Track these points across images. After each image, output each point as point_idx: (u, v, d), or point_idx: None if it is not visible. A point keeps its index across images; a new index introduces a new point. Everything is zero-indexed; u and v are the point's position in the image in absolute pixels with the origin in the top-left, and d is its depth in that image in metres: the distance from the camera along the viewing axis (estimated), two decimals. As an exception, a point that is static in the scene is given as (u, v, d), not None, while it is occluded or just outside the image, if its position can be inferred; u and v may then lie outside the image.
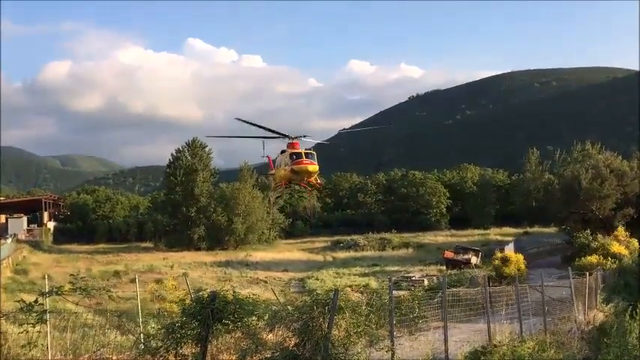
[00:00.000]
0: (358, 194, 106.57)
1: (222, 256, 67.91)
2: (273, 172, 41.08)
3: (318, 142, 38.36)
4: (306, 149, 36.33)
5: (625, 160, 70.56)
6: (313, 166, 35.89)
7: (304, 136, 37.05)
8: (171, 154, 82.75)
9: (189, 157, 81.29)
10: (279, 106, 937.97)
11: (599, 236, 52.57)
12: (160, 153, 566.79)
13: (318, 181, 38.86)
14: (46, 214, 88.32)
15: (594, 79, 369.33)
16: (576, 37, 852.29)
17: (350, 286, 38.05)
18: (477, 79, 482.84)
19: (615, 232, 55.13)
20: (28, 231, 77.98)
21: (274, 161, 40.59)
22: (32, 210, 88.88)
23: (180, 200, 78.07)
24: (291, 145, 36.32)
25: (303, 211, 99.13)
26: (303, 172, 35.85)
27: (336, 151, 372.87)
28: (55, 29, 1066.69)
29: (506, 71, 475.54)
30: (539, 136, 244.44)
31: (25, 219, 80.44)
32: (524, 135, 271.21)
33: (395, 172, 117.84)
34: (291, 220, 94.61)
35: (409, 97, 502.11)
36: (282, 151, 37.66)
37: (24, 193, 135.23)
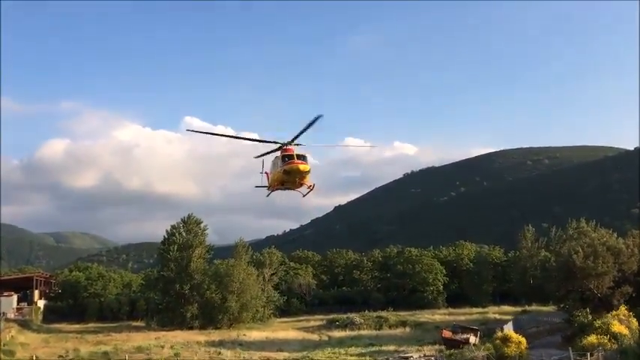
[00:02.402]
0: (354, 271, 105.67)
1: (215, 335, 66.28)
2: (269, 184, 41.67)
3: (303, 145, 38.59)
4: (297, 152, 36.79)
5: (620, 237, 70.59)
6: (304, 166, 36.16)
7: (297, 143, 37.27)
8: (166, 231, 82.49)
9: (184, 234, 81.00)
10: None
11: (600, 316, 51.84)
12: (154, 230, 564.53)
13: (310, 183, 38.90)
14: (36, 292, 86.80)
15: (585, 157, 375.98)
16: (567, 116, 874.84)
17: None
18: (471, 156, 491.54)
19: (615, 312, 54.39)
20: (18, 309, 76.41)
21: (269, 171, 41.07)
22: (23, 288, 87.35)
23: (174, 277, 77.11)
24: (284, 150, 36.98)
25: (298, 288, 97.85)
26: (294, 171, 36.11)
27: (332, 227, 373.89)
28: (53, 108, 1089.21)
29: (499, 149, 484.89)
30: (533, 213, 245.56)
31: (14, 297, 78.96)
32: (518, 212, 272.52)
33: (391, 249, 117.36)
34: (286, 297, 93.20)
35: (404, 174, 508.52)
36: (276, 157, 38.31)
37: (15, 270, 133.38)
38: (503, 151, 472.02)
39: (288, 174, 36.18)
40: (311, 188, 38.52)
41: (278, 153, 37.58)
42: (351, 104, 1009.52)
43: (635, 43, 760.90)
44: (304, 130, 35.54)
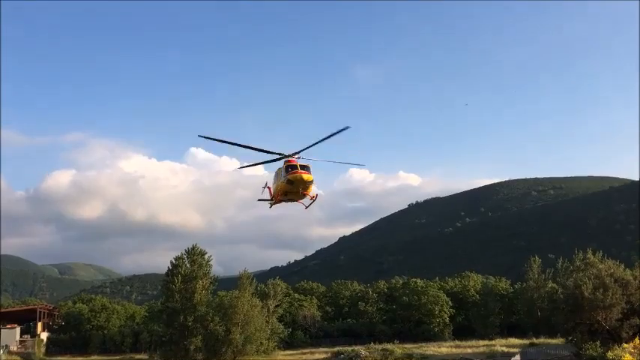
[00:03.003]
0: (359, 303, 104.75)
1: (218, 368, 65.58)
2: (270, 197, 41.61)
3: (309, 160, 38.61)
4: (300, 163, 36.76)
5: (628, 269, 70.01)
6: (307, 175, 36.13)
7: (299, 154, 37.25)
8: (171, 262, 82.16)
9: (188, 265, 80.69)
10: (279, 212, 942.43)
11: (609, 349, 51.11)
12: (158, 260, 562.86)
13: (313, 194, 38.68)
14: (39, 324, 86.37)
15: (591, 187, 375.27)
16: (571, 146, 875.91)
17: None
18: (475, 187, 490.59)
19: (626, 344, 53.59)
20: (21, 342, 76.01)
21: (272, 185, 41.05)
22: (26, 320, 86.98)
23: (178, 309, 76.57)
24: (287, 161, 37.00)
25: (302, 320, 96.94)
26: (298, 181, 36.02)
27: (337, 259, 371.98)
28: (59, 140, 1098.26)
29: (503, 179, 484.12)
30: (540, 244, 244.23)
31: (18, 329, 78.58)
32: (524, 242, 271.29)
33: (396, 280, 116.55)
34: (290, 329, 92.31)
35: (409, 205, 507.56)
36: (279, 168, 38.27)
37: (19, 302, 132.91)
38: (507, 181, 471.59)
39: (291, 183, 36.27)
40: (314, 199, 38.50)
41: (281, 164, 37.84)
42: (354, 135, 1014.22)
43: (636, 71, 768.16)
44: (328, 137, 35.80)
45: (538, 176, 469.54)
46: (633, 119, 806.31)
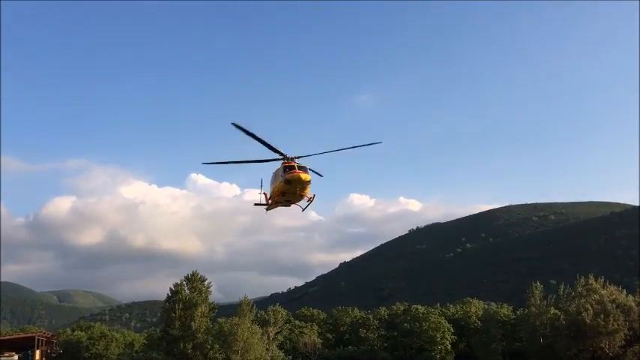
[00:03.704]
0: (360, 330, 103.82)
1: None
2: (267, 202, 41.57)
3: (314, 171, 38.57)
4: (299, 164, 36.76)
5: (630, 295, 69.74)
6: (305, 175, 36.07)
7: (299, 157, 37.24)
8: (170, 289, 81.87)
9: (187, 291, 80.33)
10: (279, 239, 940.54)
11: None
12: (158, 287, 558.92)
13: (311, 195, 38.49)
14: (38, 352, 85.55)
15: (591, 213, 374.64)
16: (571, 172, 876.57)
17: None
18: (476, 212, 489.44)
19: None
20: (18, 370, 75.16)
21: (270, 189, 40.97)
22: (25, 348, 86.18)
23: (177, 336, 76.00)
24: (285, 162, 37.04)
25: (303, 347, 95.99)
26: (296, 180, 35.89)
27: (337, 285, 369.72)
28: (60, 166, 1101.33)
29: (503, 205, 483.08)
30: (541, 269, 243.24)
31: (16, 357, 77.95)
32: (525, 268, 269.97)
33: (397, 307, 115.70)
34: (290, 357, 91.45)
35: (409, 230, 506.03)
36: (277, 169, 38.27)
37: (17, 330, 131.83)
38: (508, 207, 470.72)
39: (289, 183, 36.32)
40: (311, 200, 38.46)
41: (279, 165, 37.97)
42: (355, 161, 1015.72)
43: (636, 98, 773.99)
44: (359, 146, 36.08)
45: (538, 201, 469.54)
46: (633, 145, 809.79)
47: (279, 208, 41.90)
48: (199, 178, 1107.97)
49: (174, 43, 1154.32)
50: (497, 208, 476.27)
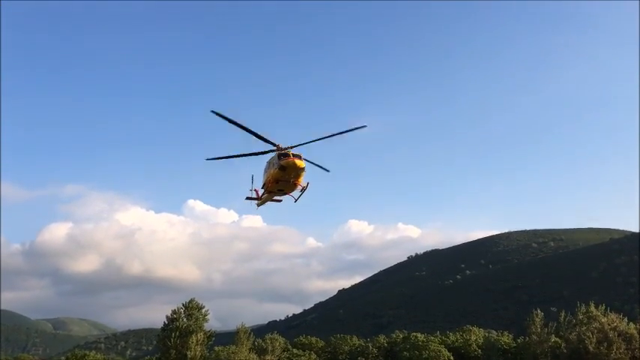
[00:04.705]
0: (359, 358, 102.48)
1: None
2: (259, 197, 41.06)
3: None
4: (293, 152, 36.38)
5: (631, 322, 69.00)
6: (300, 162, 35.74)
7: (292, 147, 36.74)
8: (167, 316, 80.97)
9: (184, 319, 79.42)
10: (277, 266, 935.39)
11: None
12: (154, 315, 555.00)
13: (304, 184, 37.87)
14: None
15: (591, 239, 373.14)
16: (570, 198, 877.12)
17: None
18: (475, 238, 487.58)
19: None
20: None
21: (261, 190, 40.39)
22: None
23: (173, 365, 74.91)
24: (280, 150, 37.01)
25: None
26: (291, 166, 35.44)
27: (336, 312, 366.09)
28: (56, 192, 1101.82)
29: (503, 231, 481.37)
30: (541, 296, 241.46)
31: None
32: (525, 295, 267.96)
33: (396, 334, 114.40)
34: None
35: (408, 257, 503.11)
36: (271, 157, 37.86)
37: (12, 359, 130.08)
38: (507, 233, 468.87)
39: (284, 169, 36.00)
40: (304, 189, 38.01)
41: (274, 155, 37.64)
42: (354, 185, 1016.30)
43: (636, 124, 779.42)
44: (343, 132, 35.69)
45: (537, 228, 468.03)
46: (633, 171, 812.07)
47: (269, 203, 41.69)
48: (197, 204, 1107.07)
49: (172, 71, 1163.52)
50: (497, 235, 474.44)
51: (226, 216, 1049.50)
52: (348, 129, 36.35)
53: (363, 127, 36.56)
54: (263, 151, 37.54)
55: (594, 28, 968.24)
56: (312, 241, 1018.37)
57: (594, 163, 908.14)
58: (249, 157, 38.42)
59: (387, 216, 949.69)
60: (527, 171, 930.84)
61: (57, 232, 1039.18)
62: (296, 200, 39.81)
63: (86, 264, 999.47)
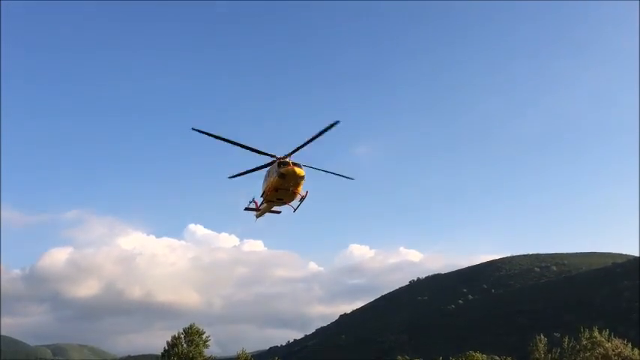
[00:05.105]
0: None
1: None
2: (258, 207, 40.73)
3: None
4: (292, 161, 36.12)
5: (635, 348, 68.42)
6: (300, 170, 35.47)
7: (292, 153, 36.42)
8: (167, 342, 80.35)
9: (185, 345, 78.81)
10: (278, 291, 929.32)
11: None
12: (154, 341, 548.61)
13: (303, 193, 37.42)
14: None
15: (594, 263, 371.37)
16: (572, 222, 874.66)
17: None
18: (477, 263, 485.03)
19: None
20: None
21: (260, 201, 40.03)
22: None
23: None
24: (279, 159, 36.90)
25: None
26: (290, 174, 35.15)
27: (337, 337, 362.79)
28: (57, 218, 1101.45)
29: (504, 255, 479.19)
30: (544, 321, 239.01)
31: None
32: (528, 320, 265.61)
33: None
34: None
35: (410, 282, 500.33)
36: (271, 167, 37.59)
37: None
38: (509, 257, 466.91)
39: (283, 177, 35.79)
40: (303, 198, 37.72)
41: (273, 164, 37.50)
42: (355, 210, 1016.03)
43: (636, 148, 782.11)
44: (318, 135, 35.38)
45: (540, 252, 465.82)
46: (634, 195, 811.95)
47: (267, 215, 41.58)
48: (198, 229, 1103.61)
49: (173, 96, 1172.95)
50: (498, 259, 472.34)
51: (227, 240, 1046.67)
52: (324, 128, 35.79)
53: (336, 122, 36.08)
54: (260, 150, 37.57)
55: (597, 54, 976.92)
56: (313, 266, 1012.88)
57: (597, 187, 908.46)
58: (250, 174, 38.69)
59: (389, 240, 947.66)
60: (529, 194, 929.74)
61: (57, 257, 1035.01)
62: (295, 210, 39.78)
63: (86, 289, 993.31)
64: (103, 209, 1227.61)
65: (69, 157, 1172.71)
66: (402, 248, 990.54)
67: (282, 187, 36.93)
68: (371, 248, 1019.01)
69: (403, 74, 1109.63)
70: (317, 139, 35.41)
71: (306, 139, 35.36)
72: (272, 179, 37.40)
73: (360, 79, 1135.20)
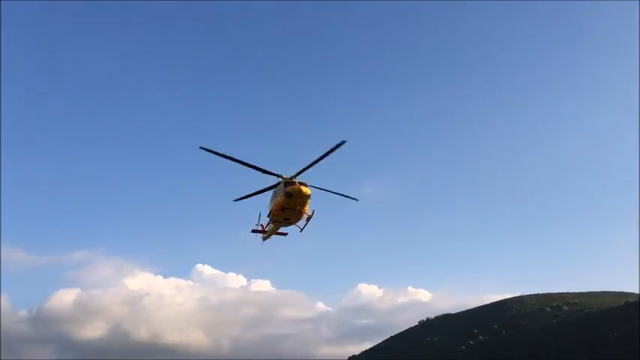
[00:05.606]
0: None
1: None
2: (264, 229, 40.62)
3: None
4: (299, 180, 36.02)
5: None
6: (306, 189, 35.60)
7: (298, 174, 36.31)
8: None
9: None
10: (285, 332, 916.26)
11: None
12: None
13: (310, 212, 37.02)
14: None
15: (605, 302, 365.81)
16: (583, 260, 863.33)
17: None
18: (487, 302, 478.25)
19: None
20: None
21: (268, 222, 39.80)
22: None
23: None
24: (285, 180, 37.65)
25: None
26: (297, 193, 35.12)
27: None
28: (65, 259, 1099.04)
29: (515, 294, 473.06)
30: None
31: None
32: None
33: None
34: None
35: (419, 322, 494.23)
36: (277, 187, 37.50)
37: None
38: (519, 297, 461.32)
39: (290, 196, 35.95)
40: (310, 217, 37.59)
41: (279, 185, 37.54)
42: (362, 249, 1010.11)
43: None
44: (325, 155, 35.57)
45: (551, 291, 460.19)
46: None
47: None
48: (205, 269, 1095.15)
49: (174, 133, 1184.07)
50: (508, 299, 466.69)
51: (235, 280, 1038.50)
52: (330, 149, 36.43)
53: (343, 142, 36.59)
54: (265, 169, 38.13)
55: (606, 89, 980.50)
56: (321, 306, 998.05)
57: (608, 224, 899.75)
58: (254, 196, 39.09)
59: (397, 279, 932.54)
60: (538, 232, 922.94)
61: (64, 298, 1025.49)
62: (302, 230, 39.96)
63: (92, 330, 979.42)
64: (111, 250, 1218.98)
65: (75, 197, 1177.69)
66: (410, 288, 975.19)
67: (288, 207, 37.41)
68: (379, 287, 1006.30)
69: (410, 113, 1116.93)
70: (323, 159, 36.02)
71: (313, 160, 35.92)
72: (279, 199, 37.87)
73: (367, 116, 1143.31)
